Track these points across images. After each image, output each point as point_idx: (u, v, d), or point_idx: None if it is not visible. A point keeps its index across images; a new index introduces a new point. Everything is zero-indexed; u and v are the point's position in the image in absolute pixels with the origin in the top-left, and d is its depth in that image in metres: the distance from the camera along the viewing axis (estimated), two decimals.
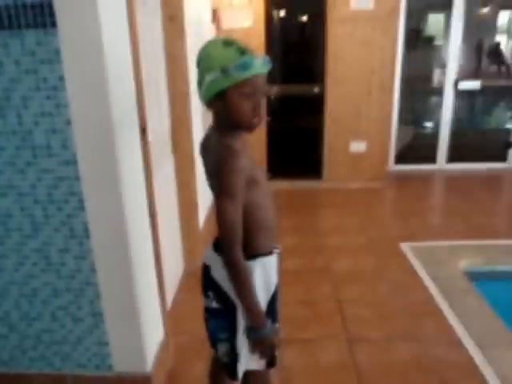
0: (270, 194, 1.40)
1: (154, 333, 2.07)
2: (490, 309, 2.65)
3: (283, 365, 2.22)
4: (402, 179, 5.12)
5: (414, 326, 2.50)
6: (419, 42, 5.59)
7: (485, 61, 5.74)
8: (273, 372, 1.62)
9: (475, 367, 2.18)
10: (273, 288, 1.42)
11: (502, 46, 5.77)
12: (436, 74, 5.35)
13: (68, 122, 1.58)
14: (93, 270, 1.78)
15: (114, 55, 1.58)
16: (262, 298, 1.37)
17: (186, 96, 2.86)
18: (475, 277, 3.04)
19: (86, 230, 1.72)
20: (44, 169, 1.65)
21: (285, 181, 4.83)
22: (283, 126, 4.83)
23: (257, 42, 4.40)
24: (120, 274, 1.79)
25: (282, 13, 4.67)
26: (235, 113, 1.22)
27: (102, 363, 1.94)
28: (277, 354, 1.46)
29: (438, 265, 3.16)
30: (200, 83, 1.25)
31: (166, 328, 2.21)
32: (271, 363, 1.47)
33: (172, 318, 2.42)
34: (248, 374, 1.48)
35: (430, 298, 2.75)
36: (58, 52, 1.51)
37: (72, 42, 1.49)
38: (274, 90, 4.66)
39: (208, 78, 1.20)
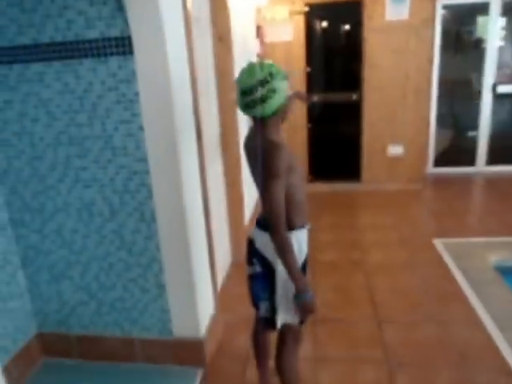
0: (303, 178, 1.74)
1: (206, 306, 2.44)
2: None
3: (317, 339, 2.54)
4: (441, 181, 5.27)
5: (439, 311, 2.74)
6: (463, 46, 5.67)
7: None
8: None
9: (495, 347, 2.39)
10: (304, 256, 1.75)
11: None
12: (475, 77, 5.46)
13: (141, 128, 1.99)
14: (158, 249, 2.17)
15: (177, 74, 1.98)
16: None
17: (233, 106, 3.24)
18: (504, 270, 3.21)
19: (153, 215, 2.12)
20: (121, 165, 2.06)
21: (325, 183, 5.14)
22: (323, 131, 5.13)
23: (298, 53, 4.76)
24: (180, 253, 2.17)
25: (323, 24, 4.99)
26: (289, 113, 1.70)
27: (164, 328, 2.33)
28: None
29: (469, 259, 3.36)
30: (261, 100, 1.57)
31: (217, 304, 2.58)
32: (303, 320, 1.79)
33: (221, 299, 2.78)
34: (284, 328, 1.82)
35: (458, 288, 2.96)
36: (134, 73, 1.92)
37: (145, 65, 1.90)
38: (315, 97, 4.98)
39: (280, 92, 1.58)
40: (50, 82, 1.99)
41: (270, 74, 1.58)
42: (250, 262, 1.84)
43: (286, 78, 1.62)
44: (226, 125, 3.30)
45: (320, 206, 4.61)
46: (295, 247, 1.68)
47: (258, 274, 1.80)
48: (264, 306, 1.81)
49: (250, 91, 1.58)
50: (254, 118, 1.66)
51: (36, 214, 2.22)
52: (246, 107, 1.63)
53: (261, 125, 1.65)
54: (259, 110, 1.60)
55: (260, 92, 1.57)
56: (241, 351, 2.49)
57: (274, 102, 1.59)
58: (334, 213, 4.49)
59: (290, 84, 1.66)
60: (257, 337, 2.05)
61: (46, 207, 2.20)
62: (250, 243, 1.84)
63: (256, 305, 1.87)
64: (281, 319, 1.77)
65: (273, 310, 1.77)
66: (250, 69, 1.62)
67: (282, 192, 1.58)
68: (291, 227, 1.68)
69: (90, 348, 2.42)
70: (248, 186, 3.79)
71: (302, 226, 1.74)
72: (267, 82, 1.57)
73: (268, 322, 1.82)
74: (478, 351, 2.37)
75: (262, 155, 1.59)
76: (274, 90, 1.58)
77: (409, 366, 2.30)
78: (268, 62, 1.63)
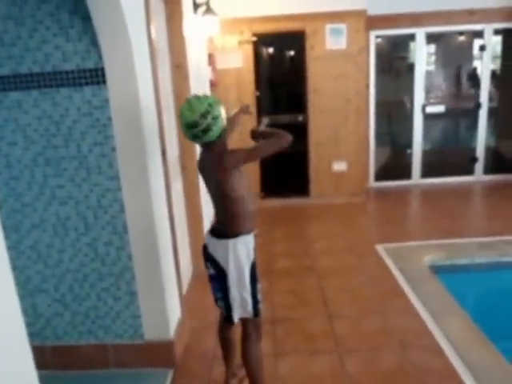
0: (251, 193, 2.07)
1: (174, 310, 2.65)
2: (445, 291, 3.24)
3: (276, 337, 2.81)
4: (381, 194, 5.77)
5: (381, 305, 3.10)
6: (398, 70, 6.27)
7: (465, 85, 6.37)
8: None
9: (429, 332, 2.76)
10: (251, 260, 2.03)
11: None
12: (406, 99, 6.06)
13: (113, 149, 2.23)
14: (130, 258, 2.38)
15: (145, 100, 2.24)
16: (246, 264, 1.99)
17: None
18: (437, 269, 3.64)
19: (125, 227, 2.33)
20: (95, 183, 2.28)
21: (277, 199, 5.48)
22: None
23: (247, 79, 5.13)
24: (150, 261, 2.39)
25: (270, 51, 5.41)
26: (235, 130, 2.26)
27: (136, 333, 2.52)
28: (260, 307, 2.09)
29: (406, 260, 3.77)
30: (210, 128, 1.84)
31: (183, 308, 2.80)
32: (257, 314, 2.07)
33: (185, 307, 3.00)
34: (245, 321, 2.11)
35: (397, 285, 3.35)
36: (107, 100, 2.17)
37: (117, 93, 2.15)
38: (266, 119, 5.34)
39: (220, 117, 1.87)
40: (29, 108, 2.19)
41: (210, 105, 1.84)
42: (206, 266, 2.12)
43: (221, 103, 1.91)
44: (184, 147, 3.56)
45: (273, 220, 4.94)
46: (244, 250, 1.97)
47: (213, 276, 2.08)
48: (220, 304, 2.10)
49: (195, 124, 1.82)
50: (204, 144, 1.96)
51: (12, 231, 2.37)
52: (195, 137, 1.88)
53: (211, 147, 1.95)
54: (207, 138, 1.87)
55: (205, 123, 1.82)
56: (207, 352, 2.72)
57: (218, 127, 1.87)
58: (286, 225, 4.82)
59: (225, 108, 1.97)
60: (222, 333, 2.30)
61: (22, 224, 2.36)
62: (205, 249, 2.10)
63: (216, 302, 2.15)
64: (236, 314, 2.05)
65: (228, 308, 2.05)
66: (189, 104, 1.84)
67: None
68: (240, 232, 1.98)
69: (64, 358, 2.56)
70: (206, 201, 4.05)
71: (250, 232, 2.03)
72: (208, 112, 1.82)
73: (226, 318, 2.10)
74: (415, 336, 2.73)
75: (221, 158, 1.89)
76: (215, 118, 1.84)
77: (356, 352, 2.62)
78: (203, 94, 1.90)
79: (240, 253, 1.97)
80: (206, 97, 1.87)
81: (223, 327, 2.29)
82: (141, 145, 2.22)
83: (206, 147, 1.98)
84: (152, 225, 2.33)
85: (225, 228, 2.01)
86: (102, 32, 2.04)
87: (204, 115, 1.81)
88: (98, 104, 2.17)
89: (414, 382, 2.36)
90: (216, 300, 2.15)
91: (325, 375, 2.45)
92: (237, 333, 2.28)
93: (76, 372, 2.56)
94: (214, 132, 1.86)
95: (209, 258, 2.06)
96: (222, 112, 1.89)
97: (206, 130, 1.84)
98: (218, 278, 2.04)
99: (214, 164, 1.91)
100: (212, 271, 2.07)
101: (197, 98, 1.87)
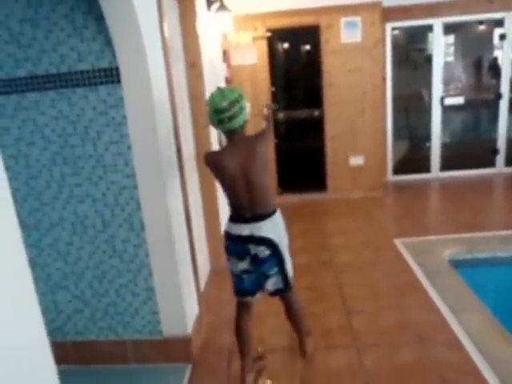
0: None
1: (192, 306, 2.68)
2: (465, 285, 3.19)
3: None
4: (400, 188, 5.70)
5: (399, 300, 3.07)
6: (416, 63, 6.18)
7: (485, 75, 6.25)
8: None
9: (448, 327, 2.72)
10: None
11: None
12: (424, 92, 5.97)
13: (129, 147, 2.26)
14: (147, 255, 2.41)
15: (159, 98, 2.26)
16: (286, 232, 2.26)
17: (206, 127, 3.52)
18: (457, 263, 3.59)
19: (142, 225, 2.36)
20: (112, 181, 2.31)
21: (293, 194, 5.47)
22: (290, 146, 5.49)
23: (262, 74, 5.12)
24: (167, 258, 2.42)
25: (285, 47, 5.40)
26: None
27: (154, 329, 2.55)
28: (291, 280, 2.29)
29: (425, 254, 3.72)
30: (236, 115, 2.01)
31: (201, 304, 2.82)
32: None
33: (203, 302, 3.02)
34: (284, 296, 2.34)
35: (415, 279, 3.31)
36: (122, 99, 2.19)
37: (131, 91, 2.18)
38: (281, 115, 5.35)
39: (244, 111, 2.05)
40: (46, 109, 2.23)
41: (239, 95, 2.03)
42: (243, 258, 2.20)
43: (247, 98, 2.08)
44: (201, 144, 3.57)
45: (290, 216, 4.90)
46: (283, 222, 2.27)
47: (267, 257, 2.17)
48: (273, 280, 2.23)
49: (224, 110, 1.99)
50: (228, 131, 2.10)
51: (32, 230, 2.43)
52: (220, 122, 2.04)
53: (240, 132, 2.11)
54: (231, 125, 2.03)
55: (232, 110, 2.00)
56: (224, 347, 2.74)
57: (242, 117, 2.04)
58: (303, 221, 4.81)
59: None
60: (239, 325, 2.33)
61: (42, 223, 2.41)
62: (244, 240, 2.15)
63: (251, 292, 2.26)
64: (291, 277, 2.28)
65: (285, 277, 2.24)
66: (221, 91, 2.03)
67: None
68: (275, 207, 2.23)
69: (85, 353, 2.61)
70: (223, 198, 4.07)
71: None
72: (237, 101, 2.01)
73: (283, 288, 2.27)
74: (433, 331, 2.70)
75: (258, 141, 2.14)
76: (242, 108, 2.03)
77: (374, 347, 2.60)
78: (234, 86, 2.03)
79: (282, 223, 2.24)
80: (236, 89, 2.08)
81: (240, 319, 2.32)
82: (156, 143, 2.24)
83: (230, 136, 2.12)
84: (168, 222, 2.36)
85: (264, 208, 2.16)
86: (115, 31, 2.07)
87: (233, 103, 2.00)
88: (113, 103, 2.20)
89: (432, 376, 2.33)
90: (261, 285, 2.26)
91: (342, 370, 2.44)
92: (253, 325, 2.30)
93: (96, 367, 2.61)
94: (239, 120, 2.03)
95: (260, 242, 2.13)
96: (247, 106, 2.07)
97: (232, 118, 2.01)
98: (272, 255, 2.17)
99: (252, 149, 2.08)
100: (267, 252, 2.15)
101: (228, 88, 2.08)
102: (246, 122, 2.10)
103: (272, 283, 2.24)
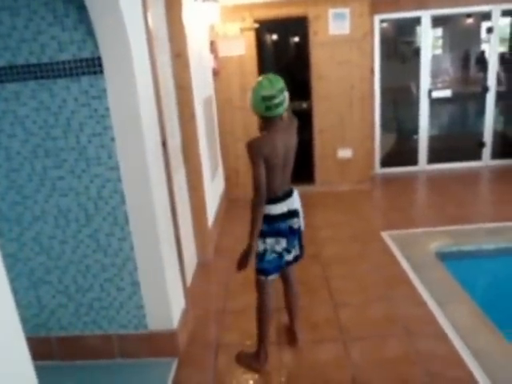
0: None
1: (178, 300, 2.65)
2: (451, 278, 3.21)
3: (281, 325, 2.80)
4: (387, 181, 5.71)
5: (386, 292, 3.08)
6: (404, 55, 6.18)
7: (472, 69, 6.27)
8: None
9: (434, 319, 2.74)
10: None
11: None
12: (412, 84, 5.97)
13: (112, 139, 2.21)
14: (132, 249, 2.38)
15: (143, 89, 2.21)
16: None
17: (192, 119, 3.48)
18: (443, 256, 3.61)
19: (127, 218, 2.32)
20: (95, 174, 2.27)
21: None
22: None
23: (250, 66, 5.06)
24: (152, 251, 2.39)
25: (273, 38, 5.34)
26: None
27: (139, 323, 2.52)
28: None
29: (412, 247, 3.74)
30: (282, 103, 2.13)
31: (187, 298, 2.80)
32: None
33: (189, 296, 3.00)
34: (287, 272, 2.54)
35: (402, 272, 3.32)
36: (104, 90, 2.14)
37: (114, 82, 2.13)
38: None
39: (286, 101, 2.16)
40: (26, 100, 2.17)
41: (284, 85, 2.15)
42: (285, 235, 2.32)
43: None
44: (187, 136, 3.53)
45: None
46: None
47: (298, 228, 2.39)
48: (296, 250, 2.44)
49: (273, 97, 2.10)
50: (270, 118, 2.17)
51: (14, 223, 2.38)
52: (267, 109, 2.12)
53: (275, 122, 2.19)
54: (276, 112, 2.13)
55: (279, 98, 2.11)
56: (211, 341, 2.72)
57: (284, 106, 2.16)
58: None
59: None
60: (270, 305, 2.44)
61: (23, 217, 2.36)
62: (286, 216, 2.30)
63: (282, 268, 2.44)
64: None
65: (302, 246, 2.50)
66: (269, 80, 2.13)
67: None
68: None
69: (70, 348, 2.58)
70: (210, 192, 4.05)
71: None
72: (284, 90, 2.14)
73: (298, 256, 2.49)
74: (420, 324, 2.71)
75: (294, 125, 2.35)
76: (286, 98, 2.15)
77: (361, 340, 2.61)
78: (275, 77, 2.14)
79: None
80: (281, 80, 2.16)
81: (270, 298, 2.43)
82: (140, 135, 2.19)
83: (272, 122, 2.18)
84: (153, 215, 2.32)
85: (288, 184, 2.37)
86: (97, 21, 2.01)
87: (281, 91, 2.12)
88: (96, 94, 2.15)
89: (419, 369, 2.34)
90: (284, 264, 2.41)
91: (330, 363, 2.44)
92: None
93: (81, 362, 2.58)
94: (282, 108, 2.14)
95: (293, 215, 2.34)
96: (287, 95, 2.17)
97: (278, 105, 2.12)
98: (300, 225, 2.40)
99: (291, 134, 2.28)
100: (298, 224, 2.38)
101: (274, 77, 2.16)
102: (285, 110, 2.21)
103: (295, 251, 2.44)
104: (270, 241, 2.30)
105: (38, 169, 2.28)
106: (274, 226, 2.28)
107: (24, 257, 2.43)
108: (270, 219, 2.27)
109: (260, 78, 2.18)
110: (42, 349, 2.57)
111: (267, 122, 2.20)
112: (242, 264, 2.25)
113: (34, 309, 2.52)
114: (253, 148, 2.13)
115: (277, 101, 2.10)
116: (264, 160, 2.13)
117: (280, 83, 2.13)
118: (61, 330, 2.56)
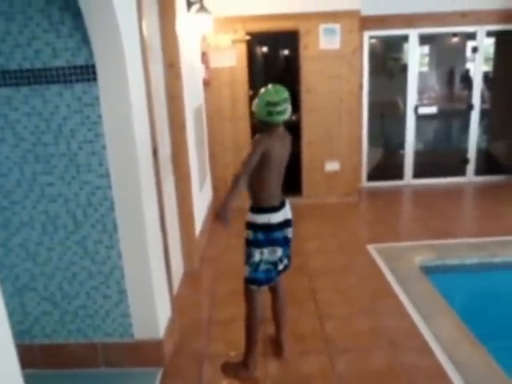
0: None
1: (164, 309, 2.64)
2: (435, 291, 3.26)
3: (266, 337, 2.80)
4: (374, 194, 5.78)
5: (371, 305, 3.11)
6: (391, 71, 6.29)
7: (457, 86, 6.41)
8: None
9: (418, 332, 2.77)
10: None
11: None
12: (399, 100, 6.08)
13: (104, 147, 2.21)
14: (119, 257, 2.37)
15: (136, 98, 2.22)
16: None
17: (183, 128, 3.50)
18: (428, 269, 3.66)
19: (115, 226, 2.32)
20: (85, 181, 2.26)
21: None
22: None
23: (241, 77, 5.11)
24: (140, 260, 2.38)
25: (264, 50, 5.42)
26: None
27: (125, 332, 2.50)
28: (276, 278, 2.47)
29: (397, 260, 3.78)
30: (284, 112, 2.22)
31: (173, 307, 2.79)
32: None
33: (175, 305, 2.99)
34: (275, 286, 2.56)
35: (387, 285, 3.36)
36: (97, 98, 2.15)
37: (108, 90, 2.14)
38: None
39: (288, 112, 2.26)
40: (18, 105, 2.16)
41: (289, 98, 2.25)
42: (281, 244, 2.37)
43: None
44: (177, 145, 3.54)
45: None
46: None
47: (291, 238, 2.46)
48: (286, 259, 2.48)
49: (277, 104, 2.20)
50: (270, 125, 2.25)
51: (0, 228, 2.35)
52: (269, 114, 2.21)
53: (274, 129, 2.28)
54: (276, 119, 2.23)
55: (282, 106, 2.21)
56: (197, 351, 2.71)
57: (285, 115, 2.25)
58: None
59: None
60: (259, 313, 2.46)
61: (11, 222, 2.34)
62: (282, 225, 2.35)
63: (274, 278, 2.46)
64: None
65: (290, 257, 2.53)
66: (276, 88, 2.24)
67: None
68: None
69: (53, 356, 2.54)
70: (198, 202, 4.05)
71: None
72: (288, 100, 2.24)
73: (287, 266, 2.52)
74: (404, 337, 2.74)
75: (288, 136, 2.43)
76: (288, 107, 2.25)
77: (346, 352, 2.62)
78: (281, 89, 2.23)
79: None
80: (286, 91, 2.26)
81: (259, 307, 2.45)
82: (131, 143, 2.20)
83: (272, 128, 2.27)
84: (142, 223, 2.32)
85: (282, 194, 2.43)
86: (92, 28, 2.02)
87: (285, 100, 2.22)
88: (89, 101, 2.16)
89: (403, 381, 2.37)
90: (277, 274, 2.45)
91: (315, 375, 2.45)
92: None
93: (65, 371, 2.54)
94: (284, 116, 2.24)
95: (288, 224, 2.41)
96: (289, 107, 2.27)
97: (280, 113, 2.21)
98: (291, 235, 2.46)
99: (287, 144, 2.38)
100: (291, 234, 2.45)
101: (281, 87, 2.26)
102: (284, 120, 2.29)
103: (284, 262, 2.47)
104: (266, 250, 2.34)
105: (28, 174, 2.26)
106: (272, 236, 2.32)
107: (9, 263, 2.40)
108: (268, 228, 2.31)
109: (268, 86, 2.28)
110: (25, 357, 2.48)
111: (266, 127, 2.27)
112: (221, 218, 2.24)
113: (18, 315, 2.49)
114: (258, 139, 2.25)
115: (279, 108, 2.19)
116: (263, 155, 2.20)
117: (285, 94, 2.23)
118: (45, 338, 2.53)
